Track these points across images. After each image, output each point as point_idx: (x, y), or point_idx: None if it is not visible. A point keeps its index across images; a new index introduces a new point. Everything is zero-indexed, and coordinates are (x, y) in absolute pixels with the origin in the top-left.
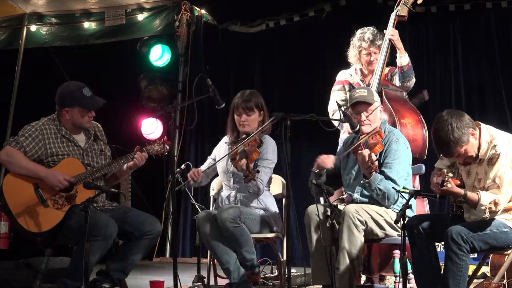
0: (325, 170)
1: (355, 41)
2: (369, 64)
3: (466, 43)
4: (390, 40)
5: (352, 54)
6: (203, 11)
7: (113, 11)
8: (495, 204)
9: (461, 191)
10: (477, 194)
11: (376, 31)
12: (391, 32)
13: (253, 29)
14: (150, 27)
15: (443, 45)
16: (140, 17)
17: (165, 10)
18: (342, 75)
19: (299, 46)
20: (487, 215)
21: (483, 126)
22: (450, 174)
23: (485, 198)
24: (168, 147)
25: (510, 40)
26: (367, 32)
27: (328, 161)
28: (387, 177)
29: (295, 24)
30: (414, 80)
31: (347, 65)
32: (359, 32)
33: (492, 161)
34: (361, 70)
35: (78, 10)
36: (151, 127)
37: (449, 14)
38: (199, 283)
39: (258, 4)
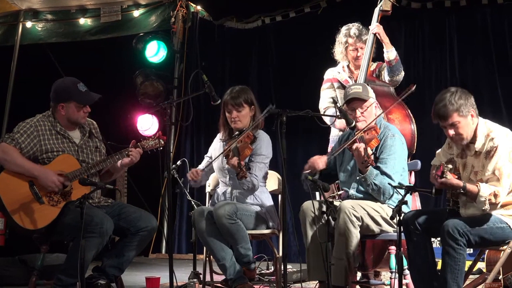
0: (317, 171)
1: (340, 38)
2: (356, 60)
3: (462, 39)
4: (374, 35)
5: (338, 51)
6: (198, 7)
7: (108, 8)
8: (495, 195)
9: (460, 182)
10: (477, 186)
11: (361, 26)
12: (375, 27)
13: (249, 25)
14: (145, 23)
15: (439, 41)
16: (136, 13)
17: (160, 6)
18: (330, 73)
19: (295, 42)
20: (487, 206)
21: (481, 119)
22: (450, 166)
23: (485, 190)
24: (163, 142)
25: (506, 36)
26: (353, 27)
27: (319, 162)
28: (383, 173)
29: (291, 20)
30: (403, 73)
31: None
32: (344, 29)
33: (490, 153)
34: (348, 66)
35: (73, 6)
36: (147, 123)
37: (445, 10)
38: (195, 280)
39: (253, 0)
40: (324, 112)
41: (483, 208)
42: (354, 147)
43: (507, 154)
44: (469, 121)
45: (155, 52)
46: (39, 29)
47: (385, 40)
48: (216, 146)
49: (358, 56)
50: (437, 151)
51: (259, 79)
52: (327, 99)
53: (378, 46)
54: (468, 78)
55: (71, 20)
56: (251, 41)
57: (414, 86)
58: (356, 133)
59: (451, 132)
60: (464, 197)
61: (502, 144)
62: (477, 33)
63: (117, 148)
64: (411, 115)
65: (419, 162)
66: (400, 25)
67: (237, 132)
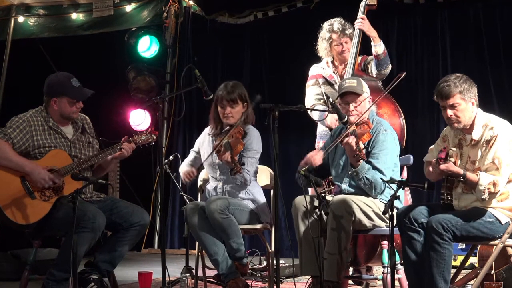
0: (313, 167)
1: (324, 34)
2: (341, 54)
3: (454, 34)
4: (361, 30)
5: (322, 47)
6: (191, 2)
7: (101, 2)
8: (494, 185)
9: (461, 170)
10: (477, 174)
11: (343, 21)
12: (359, 23)
13: (241, 20)
14: (138, 18)
15: (431, 36)
16: (128, 8)
17: (153, 1)
18: (315, 70)
19: (288, 37)
20: (486, 195)
21: (480, 110)
22: (454, 149)
23: (484, 179)
24: (155, 137)
25: (498, 30)
26: (335, 23)
27: (317, 158)
28: (374, 168)
29: (284, 15)
30: (390, 66)
31: None
32: (326, 24)
33: (489, 143)
34: (332, 62)
35: (65, 1)
36: (139, 118)
37: (437, 5)
38: (188, 274)
39: None
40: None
41: (482, 197)
42: (345, 141)
43: (507, 143)
44: (469, 108)
45: (147, 47)
46: (31, 23)
47: (373, 34)
48: (204, 140)
49: (343, 50)
50: (430, 147)
51: (251, 74)
52: (314, 96)
53: (363, 40)
54: (460, 72)
55: (63, 15)
56: (244, 36)
57: (404, 74)
58: (348, 127)
59: (450, 113)
60: (460, 188)
61: (502, 133)
62: (470, 28)
63: (109, 144)
64: (400, 109)
65: (411, 157)
66: (392, 20)
67: (227, 128)
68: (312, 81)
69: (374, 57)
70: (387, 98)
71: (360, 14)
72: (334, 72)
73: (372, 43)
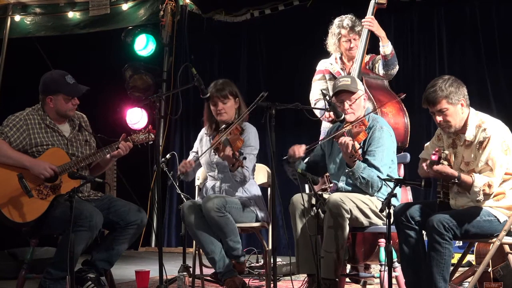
0: (297, 159)
1: (333, 29)
2: (349, 51)
3: (450, 32)
4: (369, 30)
5: (331, 42)
6: (187, 0)
7: (97, 1)
8: (489, 186)
9: (455, 172)
10: (471, 176)
11: (354, 18)
12: (368, 21)
13: (238, 18)
14: (134, 16)
15: (428, 33)
16: (125, 6)
17: None
18: (322, 65)
19: (284, 35)
20: (481, 197)
21: (472, 110)
22: (446, 152)
23: (479, 181)
24: (153, 136)
25: (495, 28)
26: (346, 19)
27: (299, 150)
28: (371, 165)
29: (280, 13)
30: (397, 67)
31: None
32: (337, 20)
33: (482, 144)
34: (341, 58)
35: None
36: (136, 117)
37: (433, 3)
38: (185, 273)
39: None
40: (315, 104)
41: (477, 198)
42: (341, 141)
43: (499, 144)
44: (458, 110)
45: (144, 45)
46: (28, 22)
47: (381, 34)
48: (202, 140)
49: (351, 47)
50: (426, 144)
51: (248, 72)
52: (319, 90)
53: (372, 39)
54: (457, 70)
55: (60, 13)
56: (240, 34)
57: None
58: (344, 125)
59: (439, 118)
60: (456, 188)
61: (494, 134)
62: (466, 26)
63: (107, 141)
64: (405, 108)
65: (408, 155)
66: (389, 18)
67: (224, 126)
68: (319, 76)
69: (382, 57)
70: (392, 97)
71: (369, 14)
72: (342, 69)
73: (380, 43)
